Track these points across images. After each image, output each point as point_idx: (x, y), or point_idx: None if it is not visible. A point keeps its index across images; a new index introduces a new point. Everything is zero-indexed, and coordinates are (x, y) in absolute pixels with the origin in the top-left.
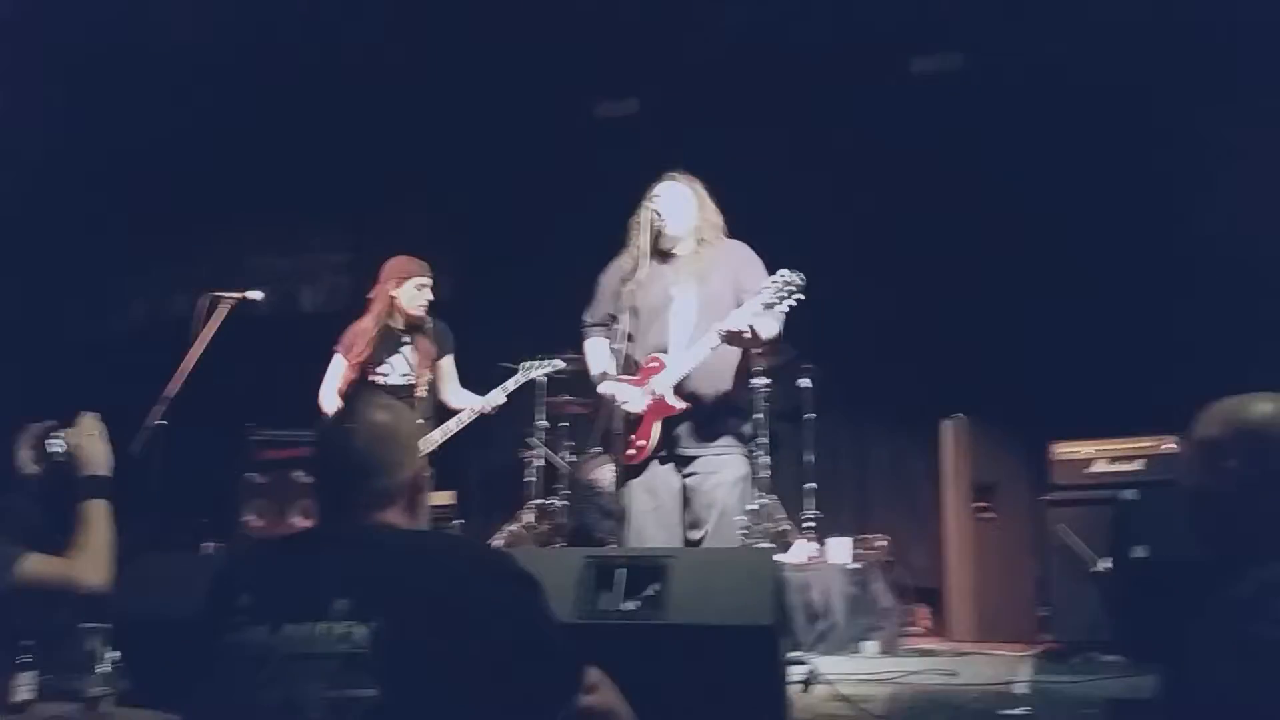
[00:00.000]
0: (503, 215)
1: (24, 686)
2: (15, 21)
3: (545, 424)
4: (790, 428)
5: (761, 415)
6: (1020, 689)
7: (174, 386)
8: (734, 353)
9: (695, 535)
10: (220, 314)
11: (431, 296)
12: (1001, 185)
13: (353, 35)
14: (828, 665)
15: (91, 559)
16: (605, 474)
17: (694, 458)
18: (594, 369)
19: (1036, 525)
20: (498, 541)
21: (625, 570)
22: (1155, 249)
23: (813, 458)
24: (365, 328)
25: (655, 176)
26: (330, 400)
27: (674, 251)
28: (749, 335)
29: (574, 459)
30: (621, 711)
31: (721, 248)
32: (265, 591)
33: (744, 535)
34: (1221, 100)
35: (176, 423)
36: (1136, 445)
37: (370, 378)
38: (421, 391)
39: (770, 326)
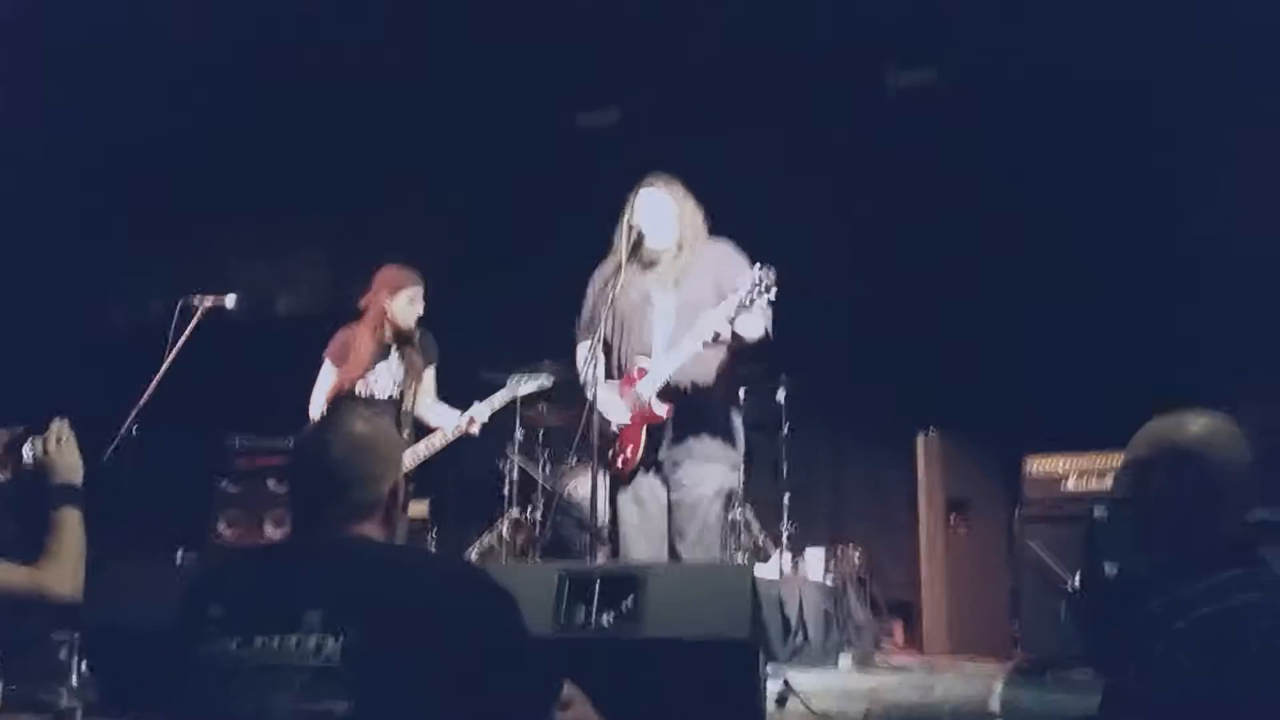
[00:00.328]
0: (488, 221)
1: None
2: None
3: (521, 434)
4: (765, 439)
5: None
6: (994, 704)
7: (147, 393)
8: (718, 356)
9: (679, 548)
10: (193, 320)
11: (422, 309)
12: (979, 199)
13: (341, 42)
14: (802, 680)
15: (62, 568)
16: (583, 485)
17: (679, 467)
18: (583, 377)
19: (1010, 540)
20: (472, 553)
21: (600, 584)
22: (1132, 263)
23: (788, 470)
24: (360, 338)
25: (636, 180)
26: (320, 409)
27: (652, 259)
28: (725, 338)
29: (550, 470)
30: None
31: (703, 249)
32: (237, 603)
33: (721, 547)
34: (1206, 112)
35: (149, 429)
36: (1111, 460)
37: (357, 387)
38: (407, 405)
39: (756, 326)
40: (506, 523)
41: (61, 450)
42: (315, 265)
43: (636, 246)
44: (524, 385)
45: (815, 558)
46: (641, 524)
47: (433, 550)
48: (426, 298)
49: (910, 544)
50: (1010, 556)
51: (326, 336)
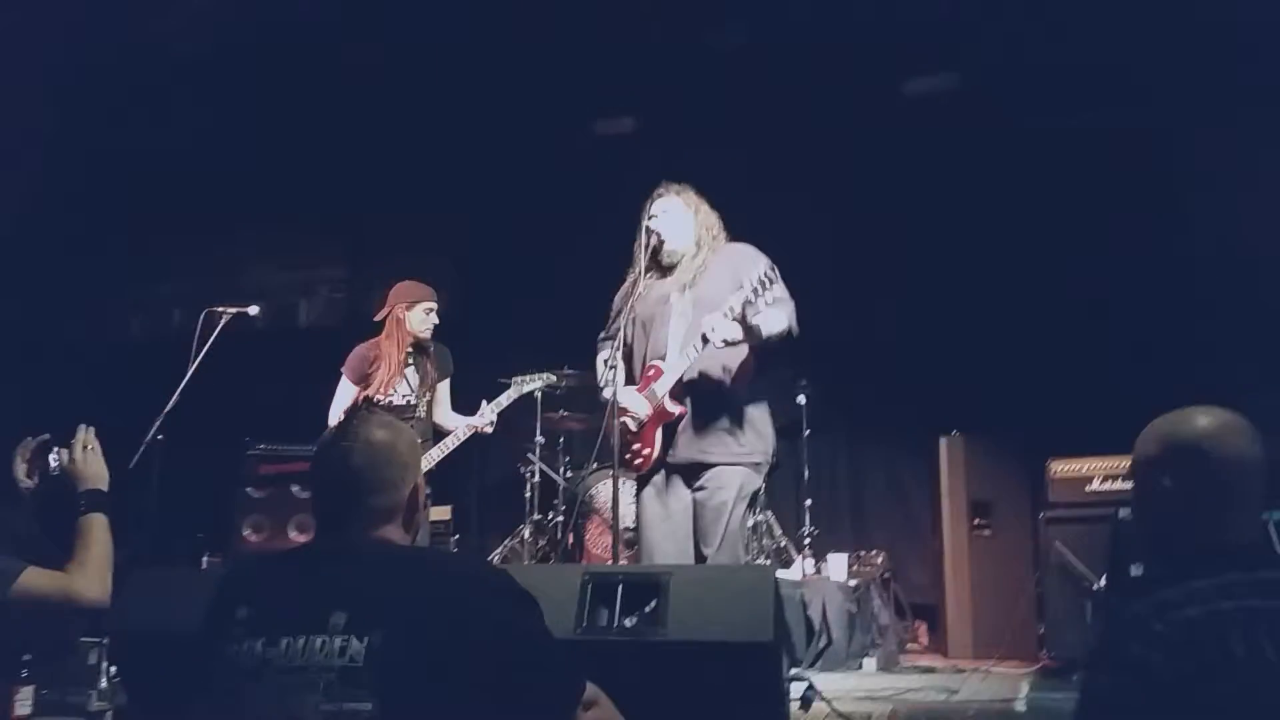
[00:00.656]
0: (502, 231)
1: (23, 701)
2: (15, 33)
3: (542, 439)
4: (787, 444)
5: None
6: (1019, 706)
7: (172, 400)
8: (736, 355)
9: (705, 551)
10: (218, 328)
11: (438, 320)
12: (999, 200)
13: (352, 50)
14: (826, 683)
15: (90, 573)
16: (605, 489)
17: (700, 467)
18: (601, 380)
19: (1035, 542)
20: (495, 558)
21: (623, 586)
22: (1156, 263)
23: (809, 474)
24: (378, 352)
25: (649, 188)
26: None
27: (669, 265)
28: (736, 336)
29: (570, 475)
30: None
31: (721, 251)
32: (263, 605)
33: (745, 550)
34: (1223, 118)
35: (174, 437)
36: None
37: (375, 397)
38: (422, 411)
39: (778, 321)
40: (529, 527)
41: (88, 457)
42: (337, 276)
43: (655, 253)
44: (527, 385)
45: (838, 562)
46: (664, 525)
47: (455, 553)
48: (441, 310)
49: (934, 546)
50: (1035, 558)
51: (349, 344)
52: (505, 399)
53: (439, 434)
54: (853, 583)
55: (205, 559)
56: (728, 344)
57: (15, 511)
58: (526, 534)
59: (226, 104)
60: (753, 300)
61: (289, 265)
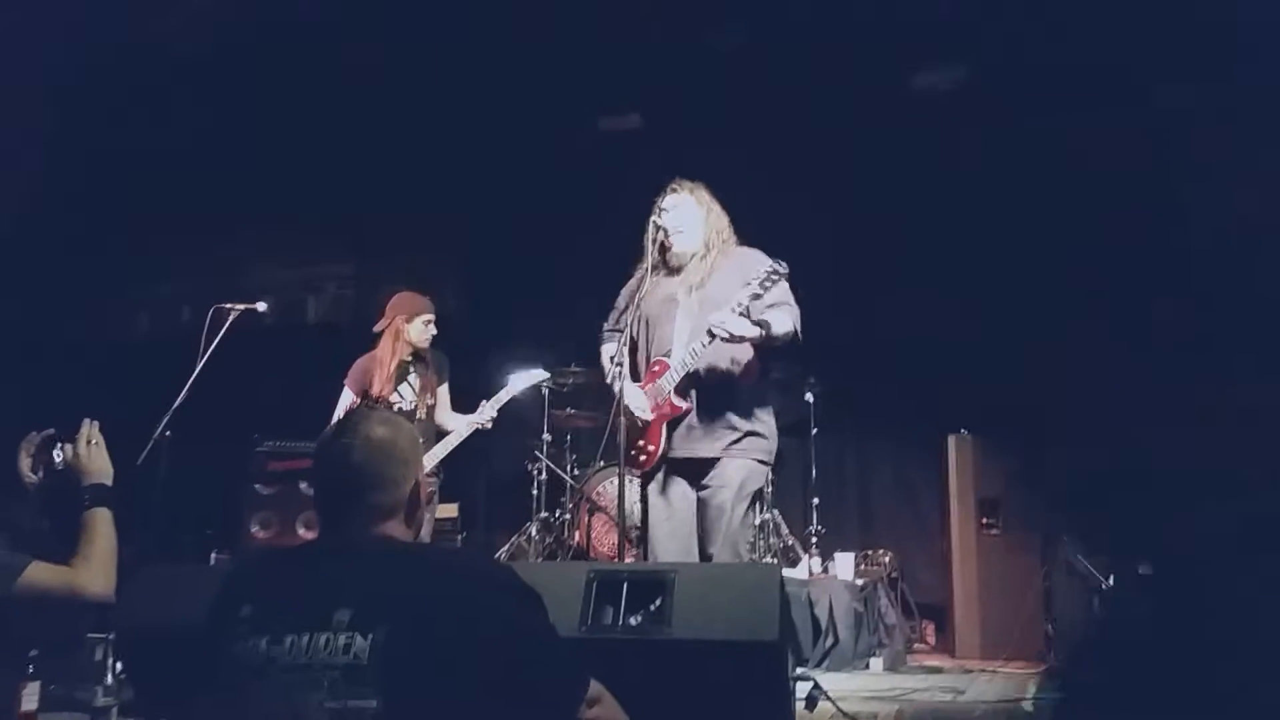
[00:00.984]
0: (505, 228)
1: (30, 696)
2: (17, 34)
3: (549, 437)
4: (794, 442)
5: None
6: (1027, 706)
7: (180, 397)
8: (742, 353)
9: (710, 549)
10: (226, 325)
11: (435, 331)
12: (1008, 198)
13: (357, 47)
14: (832, 682)
15: (95, 568)
16: (611, 486)
17: (704, 463)
18: (607, 374)
19: (1043, 542)
20: (502, 555)
21: (628, 584)
22: (1164, 266)
23: (816, 473)
24: (379, 362)
25: (660, 187)
26: None
27: (678, 263)
28: (748, 335)
29: (576, 472)
30: None
31: (731, 254)
32: (267, 603)
33: (749, 548)
34: (1235, 118)
35: (182, 433)
36: None
37: (380, 405)
38: (421, 415)
39: (784, 322)
40: (535, 524)
41: (92, 452)
42: (344, 273)
43: (664, 250)
44: (522, 381)
45: (845, 561)
46: (669, 522)
47: (459, 549)
48: (444, 303)
49: (941, 546)
50: (1043, 558)
51: (356, 341)
52: (504, 395)
53: (441, 435)
54: (860, 582)
55: (214, 555)
56: (733, 339)
57: (20, 506)
58: (533, 531)
59: (233, 103)
60: (760, 294)
61: (297, 262)
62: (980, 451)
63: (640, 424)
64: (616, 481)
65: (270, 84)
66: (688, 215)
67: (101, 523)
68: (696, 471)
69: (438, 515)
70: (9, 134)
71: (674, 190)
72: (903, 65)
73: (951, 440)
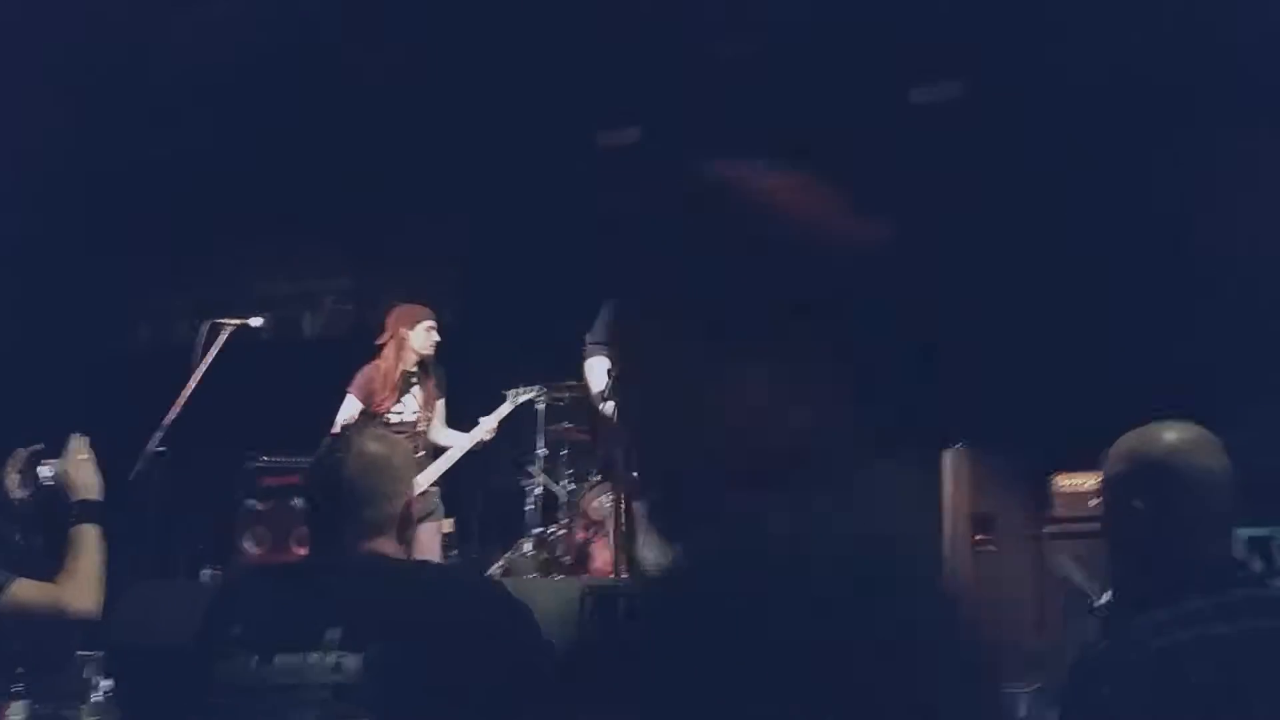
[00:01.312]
0: (503, 240)
1: (16, 715)
2: (20, 41)
3: (544, 451)
4: None
5: None
6: None
7: (173, 412)
8: None
9: None
10: (220, 340)
11: (439, 338)
12: (1003, 210)
13: (354, 60)
14: None
15: (81, 585)
16: (606, 501)
17: None
18: (594, 387)
19: (1037, 558)
20: (496, 570)
21: (622, 600)
22: (1159, 276)
23: None
24: (382, 372)
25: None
26: None
27: None
28: None
29: (574, 487)
30: None
31: None
32: (257, 621)
33: None
34: (1231, 121)
35: (176, 449)
36: None
37: (384, 416)
38: (423, 427)
39: None
40: (530, 540)
41: (81, 468)
42: (339, 287)
43: None
44: (521, 396)
45: None
46: None
47: (450, 565)
48: (441, 317)
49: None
50: (1038, 574)
51: (353, 356)
52: (504, 410)
53: (437, 451)
54: None
55: (207, 571)
56: None
57: (7, 522)
58: (528, 547)
59: (230, 116)
60: None
61: (293, 276)
62: (974, 466)
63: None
64: (607, 498)
65: (267, 95)
66: None
67: (89, 539)
68: None
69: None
70: (14, 142)
71: None
72: (901, 73)
73: (945, 455)
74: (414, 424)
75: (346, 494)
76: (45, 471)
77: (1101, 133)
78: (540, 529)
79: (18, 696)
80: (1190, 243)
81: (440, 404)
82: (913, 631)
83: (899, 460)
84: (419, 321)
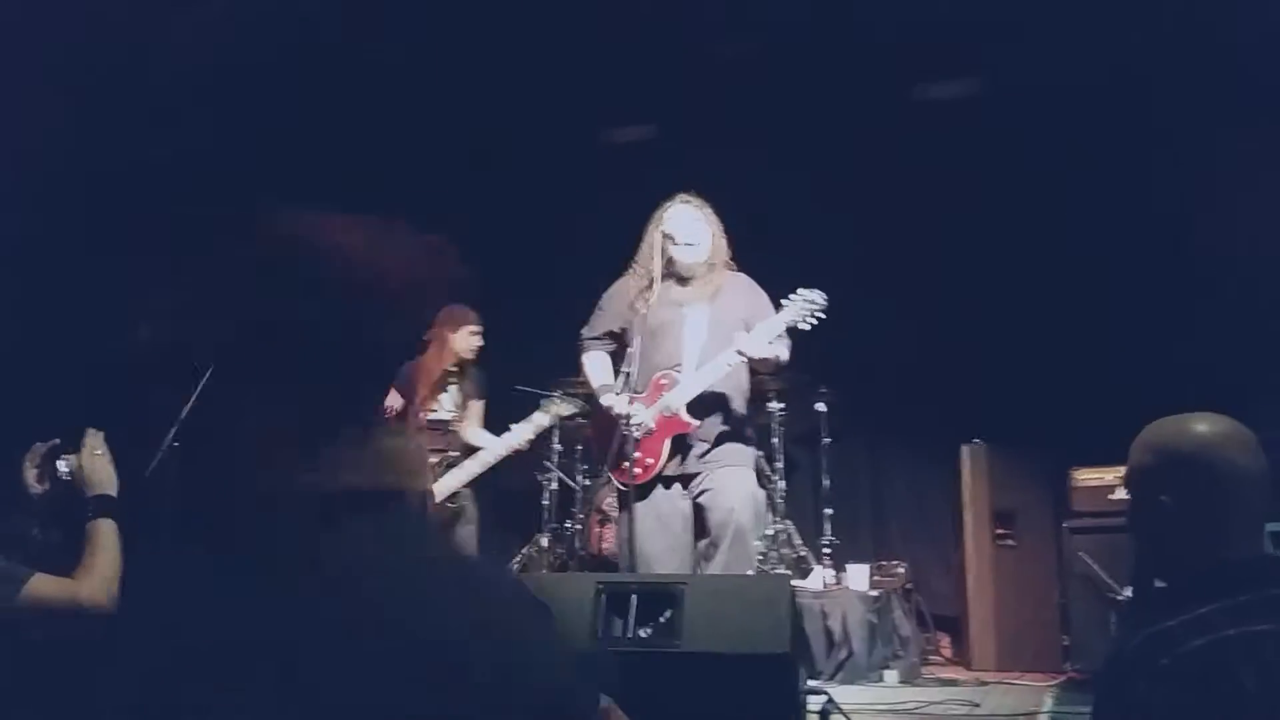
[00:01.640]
0: (515, 235)
1: None
2: (30, 38)
3: (559, 447)
4: (806, 453)
5: (777, 440)
6: (1042, 719)
7: (188, 407)
8: (746, 374)
9: (711, 554)
10: None
11: (481, 341)
12: (1020, 206)
13: (365, 60)
14: (846, 695)
15: (97, 580)
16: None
17: (703, 475)
18: (595, 382)
19: (1058, 552)
20: (512, 566)
21: (638, 596)
22: (1177, 271)
23: (829, 483)
24: (425, 370)
25: (664, 197)
26: None
27: (686, 274)
28: (773, 358)
29: (588, 483)
30: None
31: (730, 276)
32: None
33: (761, 559)
34: (1244, 120)
35: (191, 444)
36: None
37: (420, 413)
38: (456, 426)
39: (781, 350)
40: (546, 535)
41: (96, 463)
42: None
43: (670, 260)
44: (559, 407)
45: (858, 572)
46: (664, 536)
47: (466, 560)
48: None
49: (956, 557)
50: (1059, 568)
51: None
52: (541, 422)
53: (470, 450)
54: (874, 593)
55: None
56: (758, 362)
57: (26, 518)
58: (544, 542)
59: (244, 113)
60: (796, 324)
61: None
62: (995, 461)
63: (639, 436)
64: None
65: (279, 93)
66: (699, 228)
67: (105, 534)
68: (693, 485)
69: None
70: (17, 140)
71: (685, 202)
72: (914, 72)
73: (965, 450)
74: (448, 423)
75: None
76: (62, 466)
77: (1119, 128)
78: (556, 524)
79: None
80: (1217, 234)
81: (478, 405)
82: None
83: None
84: (463, 324)
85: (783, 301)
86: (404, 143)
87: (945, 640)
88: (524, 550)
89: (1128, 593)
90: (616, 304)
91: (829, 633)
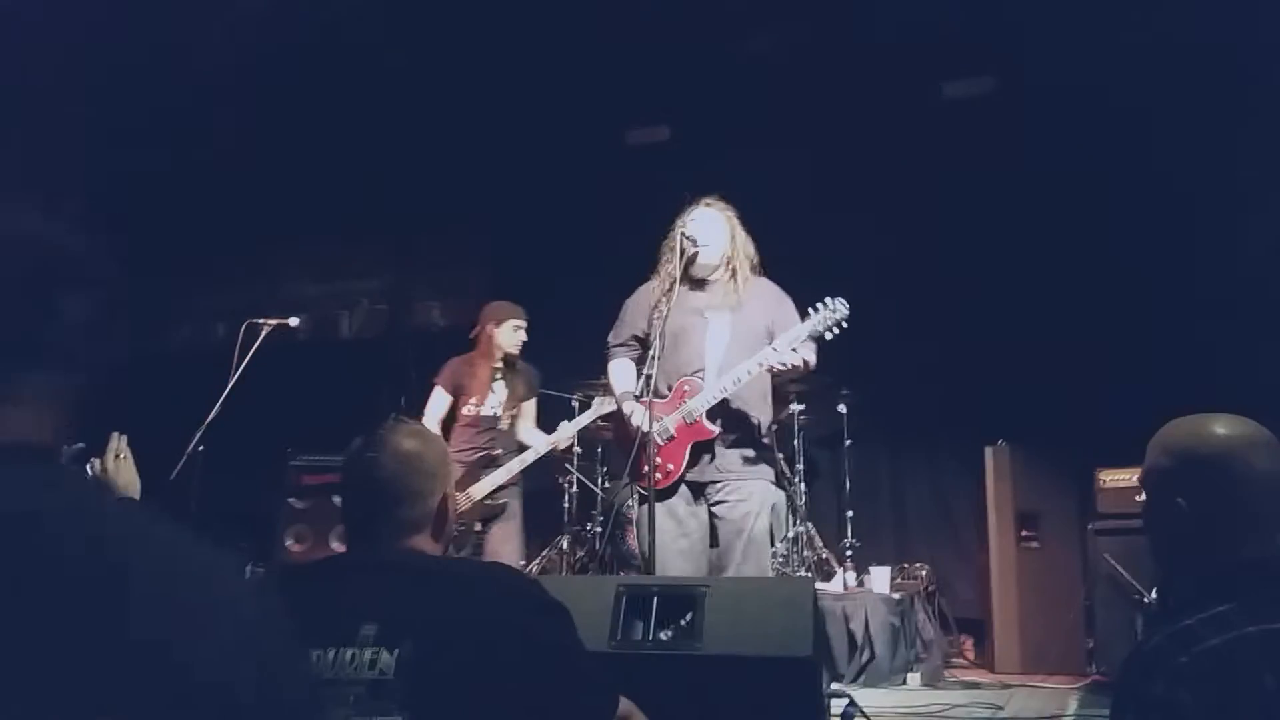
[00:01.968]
0: (538, 237)
1: None
2: (61, 49)
3: (580, 450)
4: (828, 454)
5: (798, 442)
6: None
7: (213, 412)
8: (767, 379)
9: (726, 566)
10: (259, 340)
11: (526, 338)
12: (1044, 205)
13: (389, 63)
14: (868, 698)
15: None
16: (636, 502)
17: (721, 484)
18: (618, 389)
19: (1083, 554)
20: (533, 568)
21: (658, 599)
22: (1205, 268)
23: (850, 485)
24: (471, 366)
25: (689, 200)
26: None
27: (707, 278)
28: (800, 366)
29: (608, 485)
30: None
31: (753, 282)
32: (293, 618)
33: (779, 565)
34: (1266, 120)
35: (215, 448)
36: None
37: (465, 409)
38: (504, 425)
39: (809, 354)
40: (567, 538)
41: (120, 466)
42: (376, 288)
43: (690, 263)
44: (607, 406)
45: (880, 574)
46: (683, 541)
47: (487, 563)
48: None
49: (979, 559)
50: (1084, 570)
51: (390, 355)
52: (585, 418)
53: (522, 449)
54: (896, 596)
55: (249, 569)
56: (786, 369)
57: None
58: (564, 544)
59: (268, 118)
60: (820, 334)
61: (331, 277)
62: (1019, 463)
63: (661, 441)
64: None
65: (304, 99)
66: (715, 229)
67: None
68: (712, 492)
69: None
70: (44, 147)
71: (707, 205)
72: (936, 71)
73: (989, 451)
74: (495, 419)
75: (379, 492)
76: (88, 470)
77: (1149, 126)
78: (576, 527)
79: None
80: (1248, 231)
81: (530, 404)
82: None
83: None
84: (506, 319)
85: (808, 310)
86: (438, 145)
87: (968, 643)
88: (544, 552)
89: (1153, 595)
90: (639, 309)
91: (851, 635)
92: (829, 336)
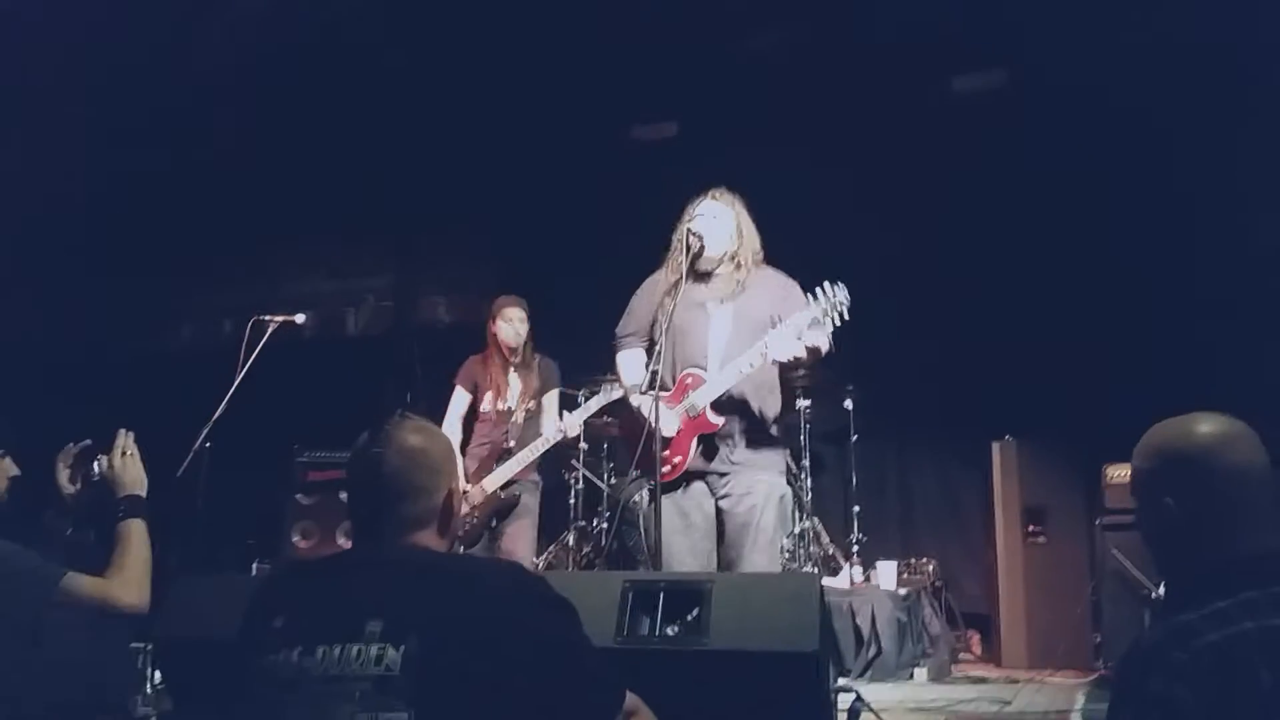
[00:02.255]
0: (544, 234)
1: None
2: (62, 49)
3: (586, 445)
4: (834, 450)
5: (804, 437)
6: (1075, 718)
7: (220, 409)
8: (774, 371)
9: (733, 560)
10: (265, 337)
11: (523, 329)
12: (1049, 202)
13: (393, 61)
14: (875, 693)
15: (128, 579)
16: (644, 496)
17: (727, 477)
18: (626, 381)
19: (1090, 550)
20: (539, 564)
21: (664, 594)
22: (1211, 264)
23: (857, 480)
24: (484, 363)
25: (695, 194)
26: (453, 431)
27: (712, 271)
28: (801, 356)
29: (614, 481)
30: None
31: (759, 272)
32: (299, 614)
33: (786, 559)
34: (1267, 120)
35: (222, 444)
36: None
37: (483, 405)
38: (519, 418)
39: (820, 339)
40: (573, 533)
41: (127, 463)
42: (382, 284)
43: (696, 256)
44: (615, 392)
45: (887, 569)
46: (687, 536)
47: (493, 559)
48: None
49: (986, 554)
50: (1091, 565)
51: (396, 352)
52: (593, 405)
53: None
54: (903, 591)
55: (255, 565)
56: (791, 361)
57: (59, 516)
58: (570, 540)
59: (273, 115)
60: (819, 321)
61: (337, 274)
62: (1026, 458)
63: (667, 434)
64: (645, 491)
65: (309, 96)
66: (720, 221)
67: (135, 534)
68: (718, 486)
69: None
70: (50, 147)
71: (713, 198)
72: (943, 67)
73: (996, 446)
74: (509, 413)
75: (384, 488)
76: (95, 467)
77: (1156, 124)
78: (582, 522)
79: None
80: (1254, 228)
81: (549, 398)
82: None
83: None
84: (503, 309)
85: (807, 297)
86: (443, 142)
87: (975, 638)
88: (550, 547)
89: (1160, 590)
90: (646, 301)
91: (858, 631)
92: (833, 324)
